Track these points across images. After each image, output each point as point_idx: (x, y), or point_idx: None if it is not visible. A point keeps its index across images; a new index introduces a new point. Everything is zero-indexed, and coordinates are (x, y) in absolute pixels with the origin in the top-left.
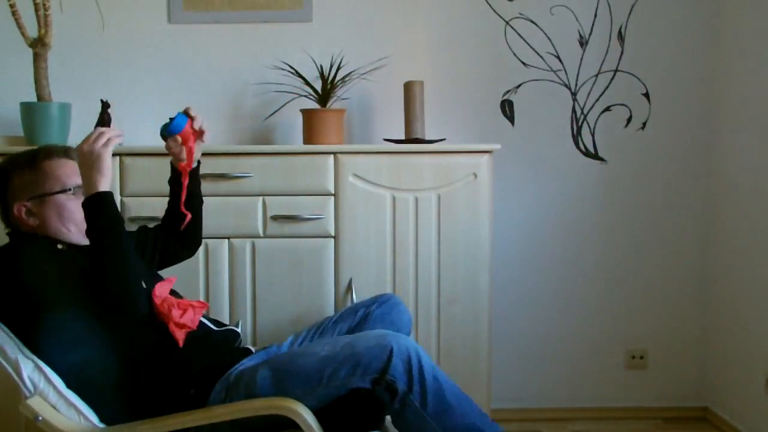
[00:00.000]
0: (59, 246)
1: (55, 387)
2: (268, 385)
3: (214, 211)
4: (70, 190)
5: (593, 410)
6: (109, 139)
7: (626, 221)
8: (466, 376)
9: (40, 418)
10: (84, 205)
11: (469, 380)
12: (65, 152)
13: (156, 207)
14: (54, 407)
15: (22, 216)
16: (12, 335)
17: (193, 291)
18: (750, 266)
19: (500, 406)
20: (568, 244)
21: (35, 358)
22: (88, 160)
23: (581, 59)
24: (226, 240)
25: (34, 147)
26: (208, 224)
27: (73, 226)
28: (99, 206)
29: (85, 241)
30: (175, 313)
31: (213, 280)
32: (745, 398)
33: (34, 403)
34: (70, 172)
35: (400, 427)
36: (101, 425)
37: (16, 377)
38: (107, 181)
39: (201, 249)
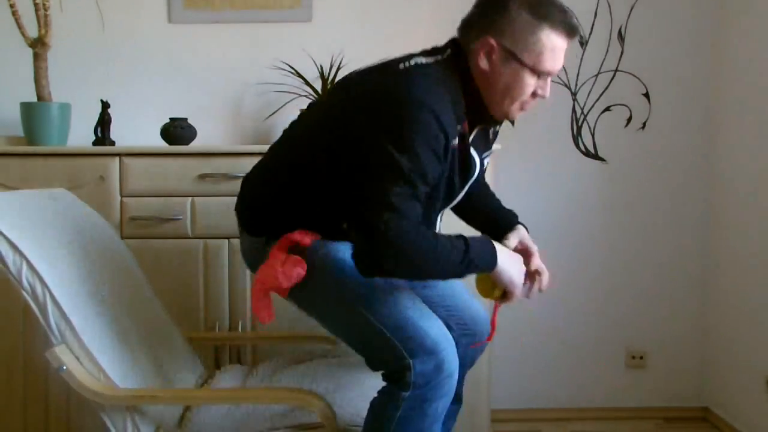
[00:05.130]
0: (452, 141)
1: (80, 340)
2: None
3: (215, 211)
4: (537, 74)
5: (593, 410)
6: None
7: (626, 221)
8: (465, 376)
9: (65, 368)
10: (488, 243)
11: (469, 381)
12: (570, 32)
13: (156, 207)
14: (78, 360)
15: (480, 52)
16: (47, 284)
17: (193, 291)
18: (750, 266)
19: (500, 406)
20: (568, 244)
21: (63, 307)
22: (516, 262)
23: (581, 59)
24: (227, 240)
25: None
26: (209, 224)
27: (508, 103)
28: (487, 255)
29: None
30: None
31: (212, 280)
32: (745, 398)
33: (61, 351)
34: (555, 57)
35: (372, 406)
36: (121, 385)
37: (44, 323)
38: (503, 264)
39: (201, 249)
